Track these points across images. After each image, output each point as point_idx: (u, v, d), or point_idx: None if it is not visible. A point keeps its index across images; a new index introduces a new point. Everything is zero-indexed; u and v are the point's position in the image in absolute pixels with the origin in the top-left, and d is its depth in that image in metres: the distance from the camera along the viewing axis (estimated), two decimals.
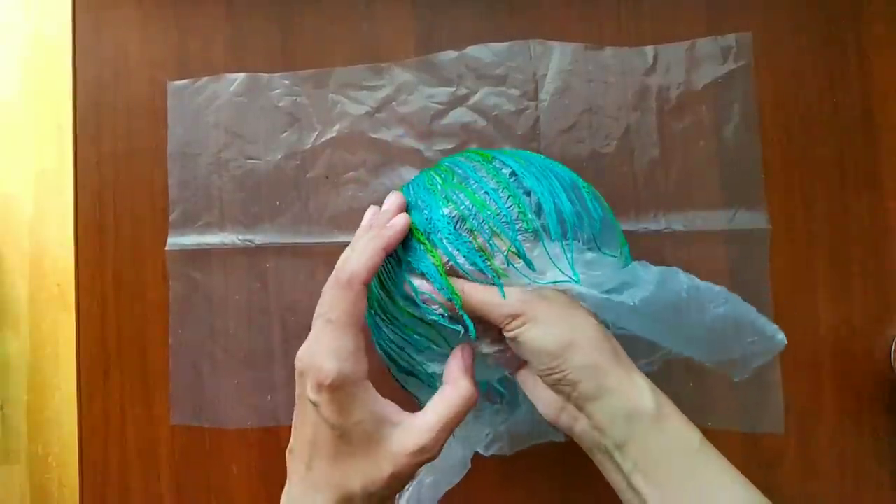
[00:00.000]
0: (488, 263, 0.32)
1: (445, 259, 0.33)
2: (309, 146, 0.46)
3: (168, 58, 0.48)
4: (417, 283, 0.33)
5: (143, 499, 0.46)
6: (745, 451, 0.42)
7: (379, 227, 0.33)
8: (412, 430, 0.30)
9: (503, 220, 0.33)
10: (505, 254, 0.32)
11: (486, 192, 0.34)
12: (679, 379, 0.42)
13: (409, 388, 0.38)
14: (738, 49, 0.43)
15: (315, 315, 0.31)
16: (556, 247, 0.33)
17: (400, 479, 0.30)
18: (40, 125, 0.50)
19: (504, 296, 0.32)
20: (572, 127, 0.44)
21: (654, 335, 0.34)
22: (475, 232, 0.33)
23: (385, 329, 0.36)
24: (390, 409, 0.31)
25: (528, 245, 0.33)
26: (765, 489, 0.39)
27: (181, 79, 0.47)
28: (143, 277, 0.47)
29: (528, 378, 0.34)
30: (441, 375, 0.34)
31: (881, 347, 0.41)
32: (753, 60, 0.43)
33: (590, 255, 0.33)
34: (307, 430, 0.30)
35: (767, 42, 0.43)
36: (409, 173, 0.45)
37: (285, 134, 0.46)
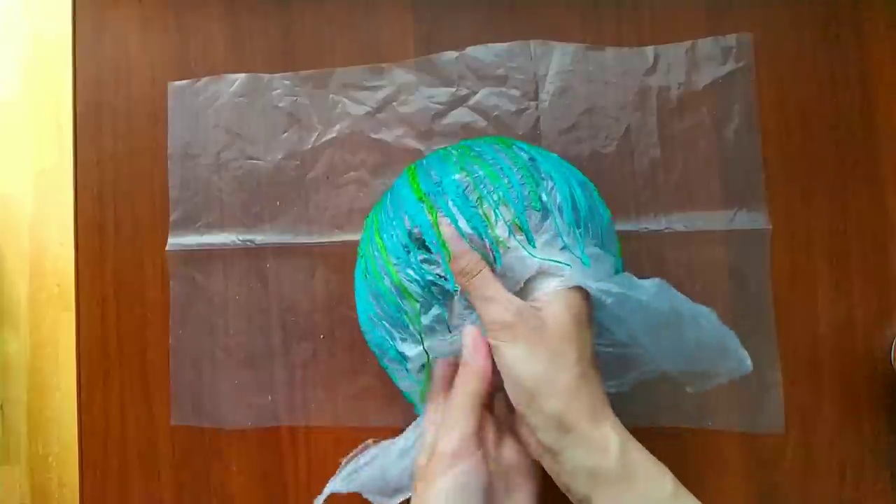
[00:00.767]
0: (490, 231, 0.32)
1: (447, 222, 0.33)
2: (309, 146, 0.46)
3: (168, 58, 0.48)
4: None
5: (143, 499, 0.46)
6: (745, 451, 0.42)
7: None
8: None
9: (514, 194, 0.33)
10: (509, 223, 0.32)
11: (500, 168, 0.34)
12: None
13: (387, 370, 0.39)
14: (738, 49, 0.43)
15: None
16: (568, 231, 0.33)
17: None
18: (40, 125, 0.50)
19: (500, 261, 0.32)
20: (573, 127, 0.44)
21: (640, 340, 0.34)
22: (482, 199, 0.33)
23: (368, 295, 0.37)
24: None
25: (535, 224, 0.33)
26: (765, 489, 0.39)
27: (181, 79, 0.47)
28: (143, 277, 0.47)
29: None
30: (412, 357, 0.35)
31: (881, 347, 0.41)
32: (753, 60, 0.43)
33: (596, 250, 0.33)
34: None
35: (767, 42, 0.43)
36: None
37: (286, 134, 0.46)
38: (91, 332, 0.47)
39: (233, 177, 0.47)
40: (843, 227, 0.42)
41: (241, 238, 0.46)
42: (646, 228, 0.43)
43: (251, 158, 0.47)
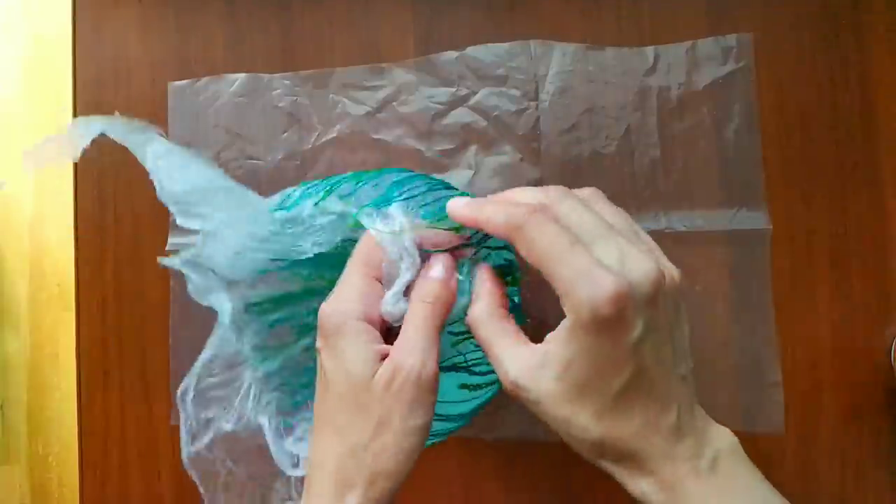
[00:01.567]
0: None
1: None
2: (309, 146, 0.46)
3: (168, 58, 0.48)
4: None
5: (143, 499, 0.46)
6: (744, 451, 0.42)
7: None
8: None
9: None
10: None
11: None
12: None
13: None
14: (738, 49, 0.43)
15: None
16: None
17: None
18: (40, 125, 0.50)
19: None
20: (573, 127, 0.44)
21: None
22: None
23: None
24: None
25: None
26: None
27: (181, 79, 0.47)
28: (143, 277, 0.47)
29: None
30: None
31: (881, 347, 0.41)
32: (754, 60, 0.43)
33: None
34: None
35: (767, 42, 0.43)
36: None
37: (286, 134, 0.46)
38: (91, 332, 0.47)
39: (233, 176, 0.46)
40: (842, 229, 0.42)
41: None
42: (646, 228, 0.43)
43: (251, 158, 0.47)
